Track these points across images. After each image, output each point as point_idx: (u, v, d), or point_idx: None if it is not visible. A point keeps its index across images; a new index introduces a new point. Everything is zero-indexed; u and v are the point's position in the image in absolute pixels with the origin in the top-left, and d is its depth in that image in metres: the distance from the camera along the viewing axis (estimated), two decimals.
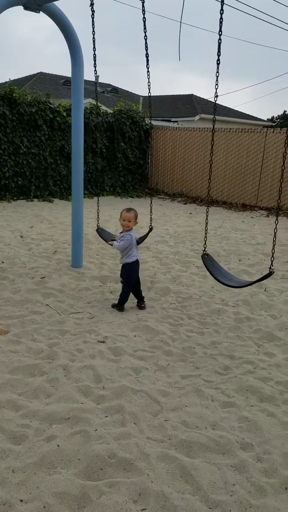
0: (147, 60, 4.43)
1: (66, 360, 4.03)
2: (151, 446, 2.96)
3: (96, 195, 15.01)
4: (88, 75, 18.06)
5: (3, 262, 6.91)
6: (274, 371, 4.13)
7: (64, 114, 13.71)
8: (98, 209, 6.24)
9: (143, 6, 4.28)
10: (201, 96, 30.23)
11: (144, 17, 4.29)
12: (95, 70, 5.30)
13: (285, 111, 58.62)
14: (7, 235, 8.62)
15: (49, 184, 13.73)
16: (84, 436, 3.00)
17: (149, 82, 4.60)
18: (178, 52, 10.89)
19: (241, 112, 30.77)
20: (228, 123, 24.32)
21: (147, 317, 5.20)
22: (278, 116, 58.88)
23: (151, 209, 6.30)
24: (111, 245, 5.40)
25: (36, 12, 5.80)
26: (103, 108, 16.77)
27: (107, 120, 15.14)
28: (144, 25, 4.35)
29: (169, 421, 3.26)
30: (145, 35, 4.27)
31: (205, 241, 4.58)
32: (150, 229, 6.05)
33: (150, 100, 4.98)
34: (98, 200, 6.49)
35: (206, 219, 4.76)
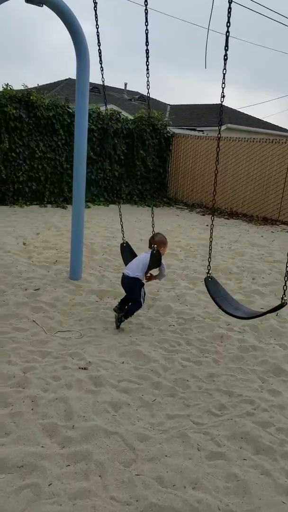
0: (147, 57, 3.99)
1: (37, 389, 3.56)
2: (113, 510, 2.45)
3: (112, 203, 14.62)
4: (112, 81, 17.81)
5: None
6: (277, 414, 3.57)
7: None
8: (121, 221, 5.86)
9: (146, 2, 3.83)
10: (229, 106, 29.63)
11: (146, 9, 3.84)
12: (101, 67, 4.89)
13: None
14: (10, 242, 8.25)
15: (64, 190, 13.39)
16: (34, 491, 2.51)
17: (148, 83, 4.17)
18: (204, 61, 10.42)
19: (269, 122, 30.03)
20: (255, 134, 23.66)
21: (141, 340, 4.70)
22: None
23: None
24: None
25: (39, 5, 5.43)
26: (124, 114, 16.39)
27: (127, 126, 14.76)
28: (146, 18, 3.91)
29: (142, 475, 2.74)
30: (146, 29, 3.82)
31: (209, 261, 4.02)
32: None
33: (149, 99, 4.51)
34: (120, 212, 6.00)
35: (211, 237, 4.18)
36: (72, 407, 3.33)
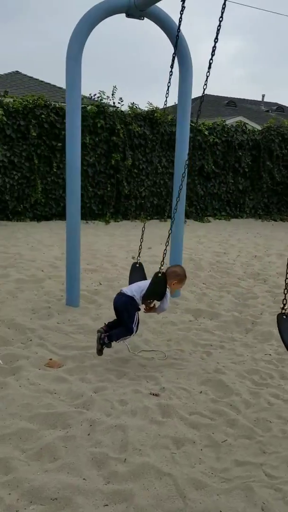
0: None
1: (100, 413, 3.38)
2: None
3: (234, 217, 14.11)
4: (250, 94, 17.36)
5: (100, 283, 6.60)
6: None
7: (206, 133, 13.22)
8: (142, 237, 4.95)
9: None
10: None
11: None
12: (171, 71, 4.64)
13: None
14: (121, 255, 8.36)
15: (185, 205, 13.29)
16: None
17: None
18: None
19: None
20: None
21: (228, 368, 4.25)
22: None
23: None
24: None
25: (140, 19, 5.40)
26: (251, 125, 15.81)
27: (253, 138, 14.16)
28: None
29: None
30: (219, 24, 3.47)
31: (286, 294, 3.34)
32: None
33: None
34: (144, 226, 5.10)
35: None
36: (130, 437, 3.07)
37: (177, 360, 4.45)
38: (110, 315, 5.42)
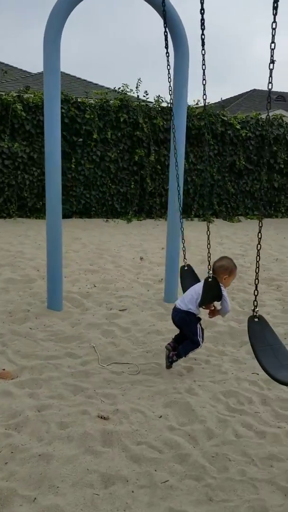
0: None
1: (30, 437, 2.94)
2: None
3: (268, 216, 13.27)
4: None
5: (95, 286, 6.16)
6: None
7: (238, 127, 12.48)
8: (183, 238, 4.71)
9: None
10: None
11: None
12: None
13: None
14: (128, 256, 7.89)
15: (213, 203, 12.63)
16: None
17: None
18: None
19: None
20: None
21: (204, 388, 3.69)
22: None
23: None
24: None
25: None
26: None
27: None
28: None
29: None
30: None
31: (256, 295, 2.86)
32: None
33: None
34: (182, 227, 4.82)
35: (257, 262, 3.02)
36: (51, 471, 2.61)
37: (150, 375, 3.94)
38: (92, 321, 5.01)
